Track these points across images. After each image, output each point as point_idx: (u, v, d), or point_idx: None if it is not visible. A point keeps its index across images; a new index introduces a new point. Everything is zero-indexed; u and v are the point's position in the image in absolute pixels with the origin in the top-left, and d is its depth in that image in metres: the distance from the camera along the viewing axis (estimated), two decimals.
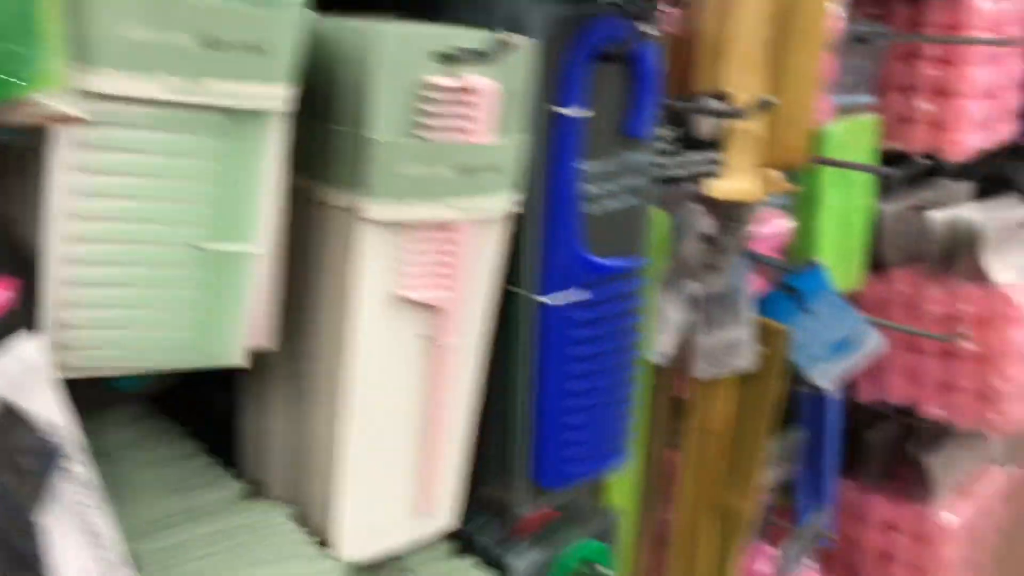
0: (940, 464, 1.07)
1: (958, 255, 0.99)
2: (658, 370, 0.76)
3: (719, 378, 0.76)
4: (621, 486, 0.75)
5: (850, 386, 1.10)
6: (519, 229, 0.53)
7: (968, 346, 0.97)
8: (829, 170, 0.93)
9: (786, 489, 1.05)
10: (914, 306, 1.02)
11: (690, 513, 0.80)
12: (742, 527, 0.79)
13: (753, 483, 0.78)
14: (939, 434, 1.09)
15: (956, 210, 1.00)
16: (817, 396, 1.03)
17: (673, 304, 0.74)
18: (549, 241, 0.53)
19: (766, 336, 0.74)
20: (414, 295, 0.49)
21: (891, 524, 1.10)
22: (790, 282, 0.74)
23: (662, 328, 0.75)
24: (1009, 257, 0.98)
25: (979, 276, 0.97)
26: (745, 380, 0.76)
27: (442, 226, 0.48)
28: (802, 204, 0.93)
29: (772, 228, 0.89)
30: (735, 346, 0.73)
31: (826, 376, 0.78)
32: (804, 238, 0.92)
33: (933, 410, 1.04)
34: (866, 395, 1.10)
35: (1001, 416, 0.99)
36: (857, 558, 1.14)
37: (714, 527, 0.80)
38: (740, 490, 0.78)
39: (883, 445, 1.10)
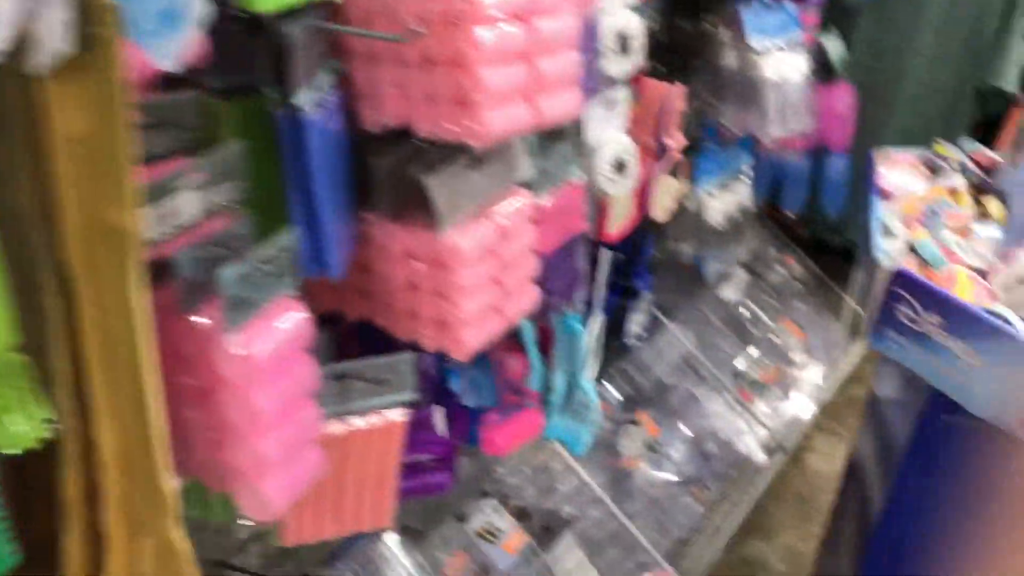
0: (446, 187, 1.04)
1: None
2: None
3: (60, 76, 0.66)
4: None
5: (350, 112, 1.04)
6: None
7: (429, 45, 0.92)
8: None
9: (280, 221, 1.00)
10: (393, 13, 0.96)
11: (81, 239, 0.72)
12: (132, 244, 0.72)
13: (127, 191, 0.71)
14: (447, 156, 1.05)
15: None
16: (294, 118, 0.97)
17: None
18: None
19: (92, 14, 0.64)
20: None
21: (410, 253, 1.08)
22: None
23: None
24: None
25: None
26: (89, 72, 0.67)
27: None
28: None
29: None
30: (53, 29, 0.63)
31: (165, 53, 0.70)
32: None
33: (424, 127, 1.00)
34: (368, 121, 1.04)
35: (479, 125, 0.96)
36: (386, 291, 1.12)
37: (111, 250, 0.73)
38: (118, 202, 0.71)
39: (390, 172, 1.06)
